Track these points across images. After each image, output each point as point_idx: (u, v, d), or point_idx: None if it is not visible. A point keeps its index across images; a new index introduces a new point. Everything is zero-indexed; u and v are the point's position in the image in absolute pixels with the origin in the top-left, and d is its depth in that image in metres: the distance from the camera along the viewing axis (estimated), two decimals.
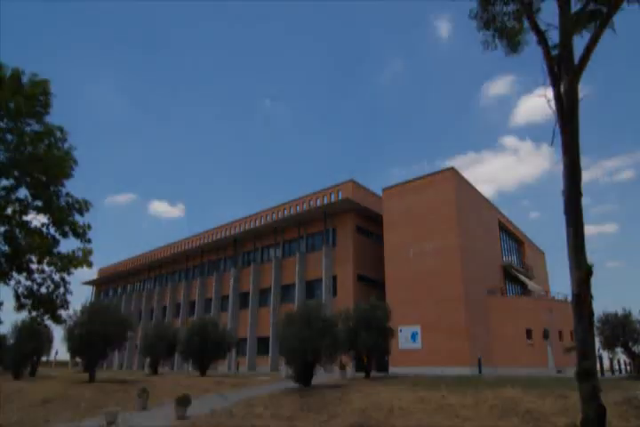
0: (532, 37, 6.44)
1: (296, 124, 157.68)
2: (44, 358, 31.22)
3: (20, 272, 8.58)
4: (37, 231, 8.50)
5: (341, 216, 33.61)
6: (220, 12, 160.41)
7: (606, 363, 25.54)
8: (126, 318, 22.21)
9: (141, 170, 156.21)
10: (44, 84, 8.14)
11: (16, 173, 8.03)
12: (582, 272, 6.22)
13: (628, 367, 23.33)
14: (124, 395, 16.46)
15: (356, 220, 33.61)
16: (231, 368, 34.99)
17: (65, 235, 8.63)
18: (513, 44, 6.81)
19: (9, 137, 7.93)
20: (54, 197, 8.43)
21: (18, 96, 7.54)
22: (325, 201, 33.88)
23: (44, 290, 8.84)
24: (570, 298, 6.46)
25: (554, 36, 6.64)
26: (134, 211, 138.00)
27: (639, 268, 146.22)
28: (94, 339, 19.49)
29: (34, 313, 8.83)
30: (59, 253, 8.76)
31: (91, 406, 15.25)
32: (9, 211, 8.22)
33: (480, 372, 22.58)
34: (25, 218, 8.44)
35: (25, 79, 7.99)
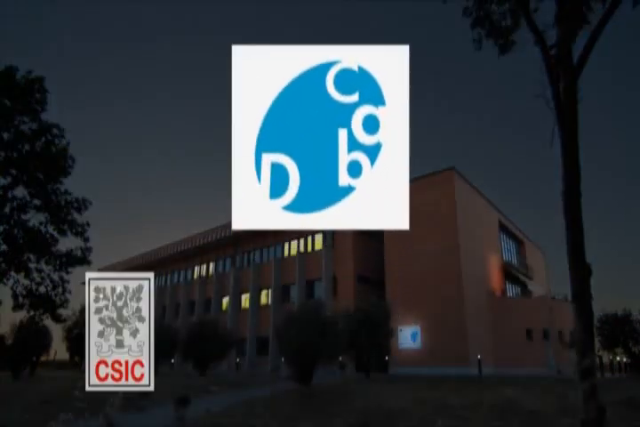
0: (527, 36, 6.42)
1: None
2: (43, 359, 31.13)
3: (18, 271, 8.51)
4: (36, 230, 8.40)
5: None
6: None
7: (606, 362, 25.50)
8: None
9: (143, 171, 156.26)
10: (39, 82, 7.96)
11: (13, 172, 7.92)
12: (582, 272, 6.21)
13: (628, 367, 23.29)
14: (123, 395, 16.42)
15: None
16: (231, 368, 34.94)
17: (63, 233, 8.55)
18: (506, 44, 6.80)
19: (5, 135, 7.79)
20: (52, 196, 8.32)
21: (11, 93, 7.39)
22: None
23: (42, 289, 8.77)
24: (570, 298, 6.46)
25: (551, 36, 6.60)
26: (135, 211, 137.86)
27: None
28: None
29: (32, 312, 8.77)
30: (57, 251, 8.68)
31: (90, 406, 15.20)
32: (7, 209, 8.12)
33: (480, 372, 22.52)
34: (23, 217, 8.33)
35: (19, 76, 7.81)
